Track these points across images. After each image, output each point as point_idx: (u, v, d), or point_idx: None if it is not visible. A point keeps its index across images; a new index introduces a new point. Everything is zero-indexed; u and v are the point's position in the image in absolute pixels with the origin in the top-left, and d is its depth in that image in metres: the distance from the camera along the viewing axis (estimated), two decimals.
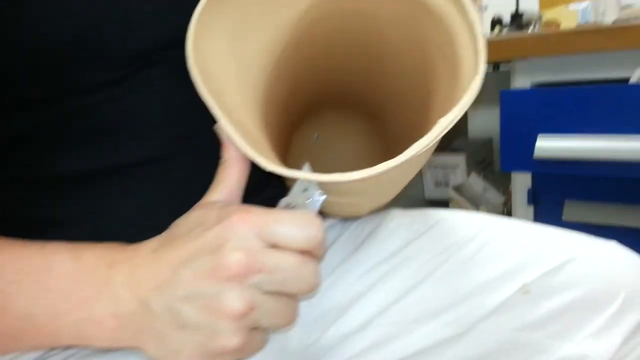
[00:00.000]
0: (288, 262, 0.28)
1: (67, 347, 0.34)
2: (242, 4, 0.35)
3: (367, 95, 0.53)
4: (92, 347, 0.31)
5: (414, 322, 0.45)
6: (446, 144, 1.44)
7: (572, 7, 1.04)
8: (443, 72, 0.38)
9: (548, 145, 0.78)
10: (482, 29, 0.34)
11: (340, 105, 0.58)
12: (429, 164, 1.37)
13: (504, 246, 0.47)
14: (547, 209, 0.96)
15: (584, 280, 0.46)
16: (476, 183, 1.20)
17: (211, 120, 0.32)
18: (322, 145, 0.61)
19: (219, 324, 0.28)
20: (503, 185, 1.25)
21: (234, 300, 0.27)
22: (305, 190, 0.33)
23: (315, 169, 0.32)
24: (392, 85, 0.49)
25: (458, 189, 1.22)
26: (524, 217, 0.97)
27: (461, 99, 0.32)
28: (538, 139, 0.78)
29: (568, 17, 1.05)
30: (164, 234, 0.31)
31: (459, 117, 0.31)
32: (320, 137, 0.62)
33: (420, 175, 1.41)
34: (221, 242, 0.28)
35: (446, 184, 1.32)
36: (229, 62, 0.35)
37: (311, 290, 0.30)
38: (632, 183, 0.87)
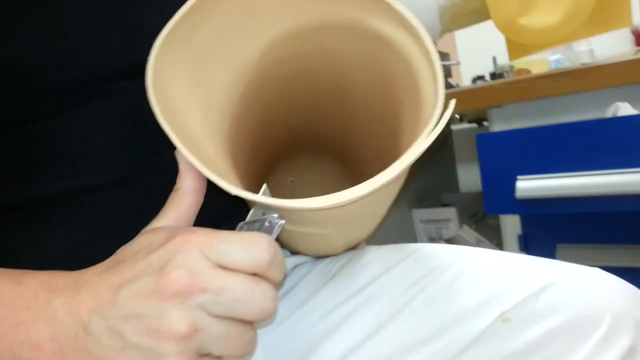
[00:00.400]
0: (235, 282, 0.27)
1: None
2: (201, 40, 0.35)
3: (338, 136, 0.54)
4: None
5: (389, 357, 0.43)
6: (437, 199, 1.45)
7: (544, 55, 1.08)
8: (409, 107, 0.38)
9: (528, 185, 0.78)
10: (439, 60, 0.34)
11: (314, 148, 0.58)
12: (421, 219, 1.36)
13: (480, 274, 0.46)
14: (539, 253, 0.94)
15: (566, 305, 0.44)
16: (469, 235, 1.19)
17: (168, 149, 0.31)
18: (297, 188, 0.61)
19: (162, 345, 0.26)
20: (496, 237, 1.24)
21: (176, 320, 0.26)
22: (263, 214, 0.33)
23: None
24: (361, 125, 0.49)
25: (450, 241, 1.21)
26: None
27: (424, 129, 0.32)
28: (518, 180, 0.78)
29: (540, 65, 1.09)
30: (110, 259, 0.30)
31: (423, 148, 0.31)
32: (295, 182, 0.61)
33: (412, 230, 1.40)
34: (164, 263, 0.27)
35: (440, 238, 1.31)
36: (192, 95, 0.35)
37: (264, 315, 0.28)
38: (622, 221, 0.86)
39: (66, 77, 0.33)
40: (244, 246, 0.28)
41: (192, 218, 0.33)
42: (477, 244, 1.18)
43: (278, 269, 0.29)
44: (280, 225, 0.32)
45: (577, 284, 0.45)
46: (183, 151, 0.29)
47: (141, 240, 0.30)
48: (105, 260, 0.30)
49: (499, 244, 1.24)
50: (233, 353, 0.28)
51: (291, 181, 0.61)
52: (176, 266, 0.27)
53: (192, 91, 0.35)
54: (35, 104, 0.32)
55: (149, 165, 0.37)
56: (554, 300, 0.44)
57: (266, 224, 0.31)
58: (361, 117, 0.48)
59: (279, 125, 0.49)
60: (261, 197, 0.30)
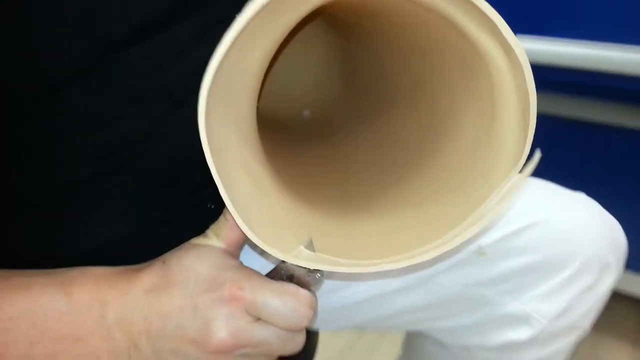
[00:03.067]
0: (273, 337, 0.30)
1: None
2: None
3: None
4: None
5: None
6: None
7: None
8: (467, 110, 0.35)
9: None
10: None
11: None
12: None
13: None
14: None
15: (543, 245, 0.45)
16: None
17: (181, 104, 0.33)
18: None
19: None
20: None
21: None
22: None
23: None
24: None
25: None
26: None
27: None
28: None
29: None
30: (157, 271, 0.31)
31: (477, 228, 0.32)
32: (309, 114, 0.58)
33: None
34: (209, 318, 0.29)
35: None
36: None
37: (293, 353, 0.32)
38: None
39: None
40: (286, 311, 0.30)
41: (240, 250, 0.35)
42: None
43: (312, 321, 0.32)
44: (322, 282, 0.33)
45: (559, 227, 0.45)
46: (235, 216, 0.29)
47: (192, 266, 0.31)
48: (153, 269, 0.31)
49: None
50: None
51: (306, 114, 0.57)
52: (220, 328, 0.29)
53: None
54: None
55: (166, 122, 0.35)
56: (533, 240, 0.45)
57: (309, 276, 0.33)
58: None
59: None
60: (318, 264, 0.31)
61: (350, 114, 0.55)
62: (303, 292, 0.31)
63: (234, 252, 0.34)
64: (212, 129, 0.27)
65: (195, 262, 0.31)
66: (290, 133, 0.55)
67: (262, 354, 0.31)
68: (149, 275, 0.31)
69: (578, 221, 0.46)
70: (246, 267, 0.32)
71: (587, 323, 0.48)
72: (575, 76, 0.80)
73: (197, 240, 0.34)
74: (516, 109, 0.30)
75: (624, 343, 1.01)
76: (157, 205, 0.37)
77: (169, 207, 0.37)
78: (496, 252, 0.45)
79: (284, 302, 0.30)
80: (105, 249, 0.34)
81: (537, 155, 0.30)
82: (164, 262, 0.32)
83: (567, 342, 0.49)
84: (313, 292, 0.33)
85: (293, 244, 0.33)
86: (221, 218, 0.34)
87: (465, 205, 0.34)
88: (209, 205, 0.39)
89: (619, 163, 0.89)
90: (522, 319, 0.46)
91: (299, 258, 0.32)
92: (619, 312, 1.07)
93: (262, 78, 0.35)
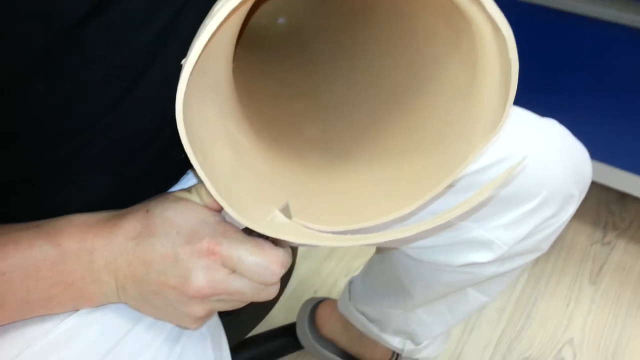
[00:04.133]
0: (247, 287, 0.32)
1: None
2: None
3: None
4: None
5: None
6: None
7: None
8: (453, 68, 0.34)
9: None
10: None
11: None
12: None
13: None
14: None
15: (509, 180, 0.46)
16: None
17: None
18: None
19: (184, 315, 0.33)
20: None
21: (196, 309, 0.33)
22: None
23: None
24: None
25: None
26: None
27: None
28: None
29: None
30: (141, 219, 0.33)
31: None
32: (285, 21, 0.55)
33: None
34: (189, 267, 0.31)
35: None
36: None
37: (267, 300, 0.34)
38: None
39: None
40: (259, 269, 0.32)
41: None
42: None
43: (284, 275, 0.33)
44: None
45: (529, 160, 0.46)
46: (214, 193, 0.29)
47: (172, 219, 0.32)
48: (136, 217, 0.33)
49: None
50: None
51: (281, 21, 0.54)
52: (198, 277, 0.31)
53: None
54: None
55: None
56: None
57: None
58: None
59: None
60: (285, 235, 0.32)
61: (327, 27, 0.52)
62: (276, 250, 0.32)
63: (216, 208, 0.35)
64: (190, 107, 0.27)
65: (178, 215, 0.33)
66: (265, 50, 0.53)
67: (237, 300, 0.34)
68: (132, 224, 0.33)
69: (545, 157, 0.47)
70: (226, 223, 0.34)
71: (546, 246, 0.52)
72: None
73: (181, 194, 0.35)
74: (498, 74, 0.30)
75: (584, 224, 1.09)
76: (135, 165, 0.37)
77: (145, 165, 0.38)
78: (466, 185, 0.46)
79: (257, 260, 0.31)
80: (89, 210, 0.35)
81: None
82: (147, 211, 0.33)
83: (525, 260, 0.53)
84: (287, 249, 0.34)
85: (271, 207, 0.34)
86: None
87: (442, 166, 0.34)
88: (183, 155, 0.39)
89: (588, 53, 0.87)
90: (485, 245, 0.49)
91: (271, 225, 0.33)
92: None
93: (236, 36, 0.33)
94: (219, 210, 0.35)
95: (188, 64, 0.25)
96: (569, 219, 0.51)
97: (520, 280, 0.99)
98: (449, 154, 0.35)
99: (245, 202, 0.32)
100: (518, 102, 0.35)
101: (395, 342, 0.70)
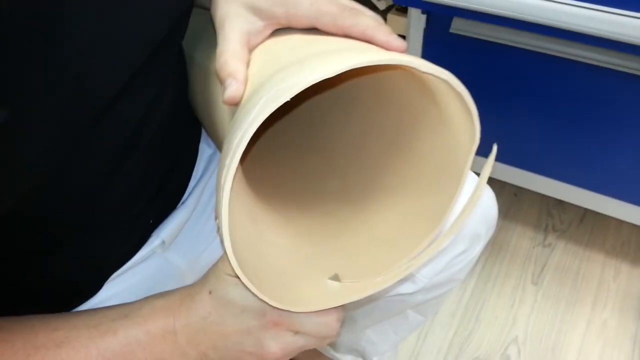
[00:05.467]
0: (312, 341, 0.39)
1: None
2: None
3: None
4: None
5: None
6: None
7: None
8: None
9: None
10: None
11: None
12: None
13: None
14: (438, 20, 0.95)
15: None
16: None
17: None
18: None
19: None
20: None
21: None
22: None
23: None
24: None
25: None
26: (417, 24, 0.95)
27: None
28: None
29: None
30: (209, 302, 0.38)
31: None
32: None
33: None
34: (261, 337, 0.37)
35: None
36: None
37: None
38: None
39: None
40: (319, 329, 0.38)
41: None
42: None
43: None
44: None
45: None
46: (245, 281, 0.33)
47: (235, 302, 0.37)
48: (201, 298, 0.38)
49: None
50: None
51: None
52: (271, 345, 0.37)
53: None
54: None
55: None
56: None
57: None
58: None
59: None
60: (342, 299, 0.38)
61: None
62: (331, 314, 0.38)
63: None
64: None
65: (240, 295, 0.37)
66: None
67: (303, 349, 0.40)
68: (202, 306, 0.38)
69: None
70: None
71: (462, 275, 0.59)
72: None
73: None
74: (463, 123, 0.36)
75: (527, 228, 1.17)
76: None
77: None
78: None
79: (317, 320, 0.37)
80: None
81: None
82: (210, 292, 0.38)
83: (447, 288, 0.60)
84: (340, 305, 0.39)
85: (298, 271, 0.40)
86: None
87: (446, 193, 0.39)
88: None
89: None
90: (408, 279, 0.56)
91: (327, 296, 0.38)
92: (524, 203, 1.22)
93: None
94: None
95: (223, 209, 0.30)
96: (479, 254, 0.58)
97: (469, 285, 1.07)
98: (443, 184, 0.40)
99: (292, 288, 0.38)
100: None
101: (347, 359, 0.77)
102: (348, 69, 0.28)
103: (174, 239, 0.51)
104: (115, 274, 0.47)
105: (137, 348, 0.37)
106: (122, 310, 0.39)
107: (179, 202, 0.51)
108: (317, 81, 0.28)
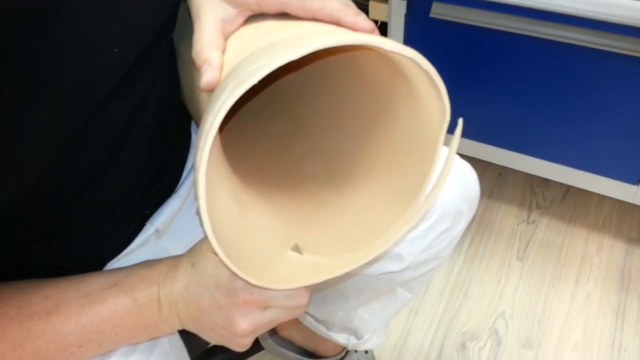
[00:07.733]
0: (282, 313, 0.41)
1: None
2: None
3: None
4: None
5: None
6: None
7: None
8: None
9: None
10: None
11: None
12: None
13: None
14: (418, 6, 0.97)
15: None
16: None
17: None
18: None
19: (234, 343, 0.43)
20: None
21: (243, 340, 0.42)
22: None
23: None
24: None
25: None
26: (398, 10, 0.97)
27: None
28: None
29: None
30: (189, 274, 0.41)
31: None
32: None
33: None
34: (230, 314, 0.40)
35: None
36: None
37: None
38: None
39: None
40: (289, 300, 0.40)
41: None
42: None
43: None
44: None
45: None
46: (219, 254, 0.34)
47: (212, 275, 0.39)
48: (185, 269, 0.41)
49: None
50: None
51: None
52: (240, 321, 0.40)
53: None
54: None
55: None
56: None
57: None
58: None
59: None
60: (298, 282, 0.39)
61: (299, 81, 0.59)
62: (300, 290, 0.40)
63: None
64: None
65: (216, 271, 0.39)
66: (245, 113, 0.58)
67: (273, 324, 0.42)
68: (184, 277, 0.41)
69: (454, 183, 0.56)
70: None
71: (447, 252, 0.61)
72: None
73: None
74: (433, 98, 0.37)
75: (511, 206, 1.20)
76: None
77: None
78: None
79: (287, 293, 0.39)
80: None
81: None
82: (192, 265, 0.41)
83: (433, 265, 0.62)
84: None
85: (281, 250, 0.42)
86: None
87: (420, 169, 0.41)
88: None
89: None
90: (396, 257, 0.59)
91: (307, 273, 0.40)
92: (508, 182, 1.25)
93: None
94: None
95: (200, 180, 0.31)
96: (462, 231, 0.60)
97: (457, 263, 1.10)
98: (417, 167, 0.42)
99: (253, 259, 0.39)
100: None
101: (340, 338, 0.80)
102: (313, 51, 0.30)
103: (167, 227, 0.52)
104: (111, 262, 0.49)
105: (126, 314, 0.40)
106: (111, 278, 0.42)
107: (172, 191, 0.53)
108: (283, 63, 0.29)
